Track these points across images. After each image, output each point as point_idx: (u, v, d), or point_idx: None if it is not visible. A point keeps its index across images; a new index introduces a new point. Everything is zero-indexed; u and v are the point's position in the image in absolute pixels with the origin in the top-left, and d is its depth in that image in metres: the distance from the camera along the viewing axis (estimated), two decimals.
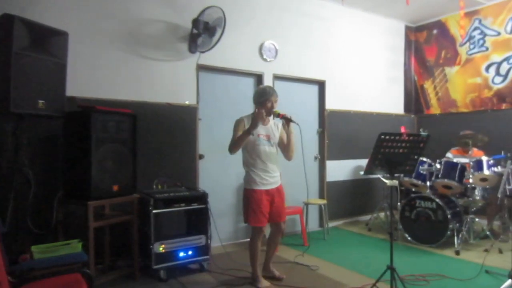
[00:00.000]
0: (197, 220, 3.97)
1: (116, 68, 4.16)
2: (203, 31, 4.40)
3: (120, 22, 4.19)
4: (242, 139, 3.43)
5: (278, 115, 3.51)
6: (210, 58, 4.69)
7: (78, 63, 3.83)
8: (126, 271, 3.74)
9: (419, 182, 4.98)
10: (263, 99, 3.50)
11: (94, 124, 3.31)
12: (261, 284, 3.50)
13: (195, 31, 4.45)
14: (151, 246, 3.59)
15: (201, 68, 4.71)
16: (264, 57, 5.23)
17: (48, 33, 3.21)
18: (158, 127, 4.38)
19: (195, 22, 4.41)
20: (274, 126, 3.65)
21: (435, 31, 6.76)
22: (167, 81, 4.49)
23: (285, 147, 3.65)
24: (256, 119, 3.38)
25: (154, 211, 3.62)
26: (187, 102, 4.58)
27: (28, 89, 3.04)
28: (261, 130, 3.52)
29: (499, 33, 5.89)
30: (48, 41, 3.21)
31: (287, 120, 3.51)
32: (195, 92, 4.67)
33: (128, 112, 3.71)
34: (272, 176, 3.55)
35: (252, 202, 3.45)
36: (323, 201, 5.48)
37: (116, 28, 4.17)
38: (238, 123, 3.55)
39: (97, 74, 4.04)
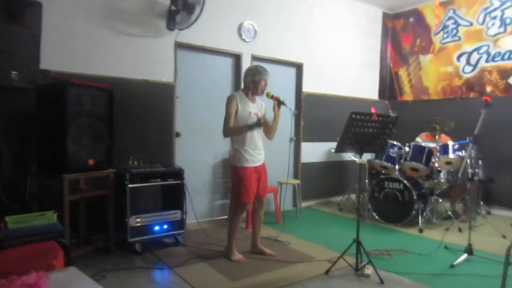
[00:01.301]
0: (173, 196, 4.04)
1: (92, 42, 4.11)
2: (181, 8, 4.39)
3: None
4: (240, 131, 3.52)
5: (272, 97, 3.60)
6: (188, 36, 4.69)
7: (52, 36, 3.77)
8: (101, 244, 3.79)
9: (389, 164, 5.18)
10: (258, 77, 3.58)
11: (69, 98, 3.29)
12: (235, 256, 3.61)
13: (173, 7, 4.43)
14: (127, 220, 3.65)
15: (179, 45, 4.71)
16: (243, 37, 5.26)
17: (21, 3, 3.16)
18: (135, 104, 4.38)
19: None
20: (259, 105, 3.74)
21: (411, 19, 6.92)
22: (144, 57, 4.47)
23: (268, 128, 3.73)
24: (256, 126, 3.50)
25: (130, 186, 3.67)
26: (164, 80, 4.60)
27: (0, 60, 3.00)
28: (251, 107, 3.61)
29: (471, 24, 6.09)
30: (22, 12, 3.17)
31: (279, 103, 3.60)
32: (173, 70, 4.68)
33: (104, 87, 3.71)
34: (260, 153, 3.66)
35: (244, 180, 3.52)
36: (297, 181, 5.63)
37: (93, 2, 4.11)
38: (230, 99, 3.58)
39: (72, 48, 3.99)
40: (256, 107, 3.68)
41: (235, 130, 3.53)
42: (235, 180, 3.61)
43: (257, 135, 3.61)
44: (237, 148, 3.59)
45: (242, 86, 3.77)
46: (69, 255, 2.34)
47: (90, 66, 4.08)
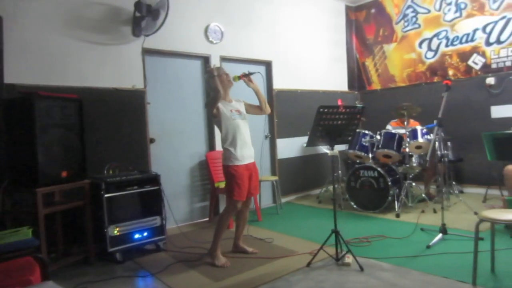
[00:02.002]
0: (151, 202, 4.02)
1: (58, 53, 4.05)
2: (146, 14, 4.38)
3: (58, 5, 4.06)
4: (214, 100, 3.52)
5: (239, 78, 3.66)
6: (155, 41, 4.68)
7: (16, 49, 3.72)
8: (81, 256, 3.74)
9: (362, 154, 5.30)
10: (215, 75, 3.58)
11: (38, 110, 3.25)
12: (219, 261, 3.53)
13: (138, 14, 4.42)
14: (106, 230, 3.62)
15: (146, 51, 4.69)
16: (210, 39, 5.28)
17: None
18: (106, 112, 4.35)
19: (137, 4, 4.37)
20: (237, 101, 3.78)
21: (373, 10, 7.10)
22: (112, 65, 4.44)
23: (257, 107, 3.79)
24: (216, 81, 3.51)
25: (106, 195, 3.64)
26: (134, 86, 4.57)
27: None
28: (231, 106, 3.64)
29: (429, 11, 6.31)
30: None
31: (247, 76, 3.67)
32: (142, 76, 4.66)
33: (73, 97, 3.67)
34: (249, 149, 3.67)
35: (237, 177, 3.51)
36: (275, 178, 5.69)
37: (54, 12, 4.04)
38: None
39: (38, 60, 3.92)
40: (236, 104, 3.71)
41: (211, 100, 3.57)
42: (227, 179, 3.59)
43: (244, 129, 3.63)
44: (226, 147, 3.59)
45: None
46: (46, 270, 2.31)
47: (57, 77, 4.02)
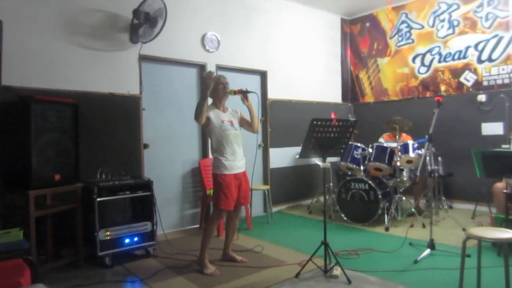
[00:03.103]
0: (143, 207, 4.03)
1: (55, 57, 4.09)
2: (144, 22, 4.42)
3: (57, 11, 4.11)
4: (201, 106, 3.47)
5: (234, 93, 3.66)
6: (152, 48, 4.72)
7: (14, 52, 3.74)
8: (71, 259, 3.74)
9: (354, 166, 5.35)
10: (215, 85, 3.62)
11: (33, 114, 3.28)
12: (207, 270, 3.54)
13: (136, 21, 4.47)
14: (96, 234, 3.63)
15: (143, 58, 4.73)
16: (207, 48, 5.34)
17: None
18: (101, 117, 4.37)
19: (136, 12, 4.43)
20: (233, 112, 3.79)
21: (367, 24, 7.21)
22: (109, 71, 4.47)
23: (249, 124, 3.79)
24: (207, 86, 3.50)
25: (98, 199, 3.66)
26: (130, 92, 4.60)
27: None
28: (223, 116, 3.65)
29: (422, 26, 6.43)
30: None
31: (244, 94, 3.67)
32: (138, 82, 4.69)
33: (68, 102, 3.70)
34: (239, 160, 3.68)
35: (224, 186, 3.53)
36: (266, 187, 5.73)
37: (54, 17, 4.09)
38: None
39: (35, 63, 3.95)
40: (230, 115, 3.73)
41: (198, 108, 3.48)
42: (215, 187, 3.62)
43: (235, 139, 3.65)
44: (216, 156, 3.62)
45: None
46: (36, 272, 2.32)
47: (54, 81, 4.05)
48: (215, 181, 3.60)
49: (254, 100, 3.74)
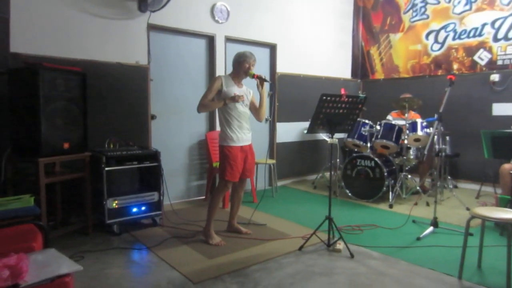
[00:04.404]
0: (150, 178, 4.10)
1: (63, 25, 4.05)
2: None
3: None
4: (212, 106, 3.64)
5: (253, 76, 3.67)
6: (161, 17, 4.66)
7: (22, 19, 3.72)
8: (79, 226, 3.84)
9: (361, 143, 5.34)
10: (242, 59, 3.64)
11: (42, 81, 3.27)
12: (213, 240, 3.61)
13: None
14: (104, 202, 3.69)
15: (152, 27, 4.67)
16: (216, 18, 5.25)
17: None
18: (109, 87, 4.36)
19: None
20: (246, 91, 3.78)
21: None
22: (117, 40, 4.43)
23: (257, 110, 3.82)
24: (230, 101, 3.56)
25: (106, 169, 3.70)
26: (138, 62, 4.57)
27: None
28: (237, 91, 3.66)
29: (439, 2, 6.26)
30: None
31: (261, 80, 3.67)
32: (146, 52, 4.65)
33: (77, 70, 3.69)
34: (246, 133, 3.72)
35: (230, 158, 3.59)
36: (272, 161, 5.75)
37: None
38: (215, 79, 3.67)
39: (43, 30, 3.92)
40: (242, 92, 3.72)
41: (208, 104, 3.59)
42: (221, 159, 3.67)
43: (243, 115, 3.66)
44: (223, 128, 3.66)
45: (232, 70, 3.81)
46: (47, 237, 2.38)
47: (62, 49, 4.02)
48: (222, 152, 3.64)
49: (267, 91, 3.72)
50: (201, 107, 3.60)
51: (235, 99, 3.55)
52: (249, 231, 3.90)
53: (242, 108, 3.66)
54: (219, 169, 3.73)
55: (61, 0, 4.03)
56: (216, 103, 3.60)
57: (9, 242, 2.12)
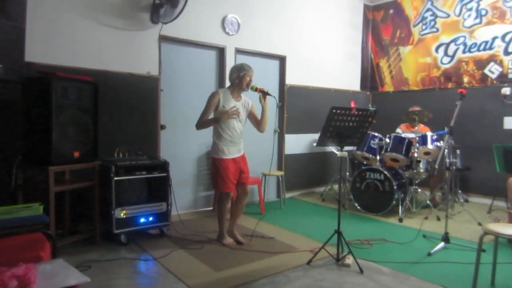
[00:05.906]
0: (158, 188, 4.09)
1: (77, 35, 4.10)
2: (165, 2, 4.40)
3: None
4: (208, 124, 3.71)
5: (256, 89, 3.70)
6: (172, 29, 4.70)
7: (37, 28, 3.77)
8: (87, 235, 3.83)
9: (370, 155, 5.30)
10: (243, 73, 3.68)
11: (55, 90, 3.31)
12: (226, 240, 3.82)
13: (157, 1, 4.44)
14: (112, 212, 3.69)
15: (163, 39, 4.72)
16: (227, 30, 5.29)
17: None
18: (120, 97, 4.40)
19: None
20: (244, 103, 3.82)
21: (391, 11, 7.04)
22: (129, 50, 4.48)
23: (258, 122, 3.87)
24: (223, 118, 3.62)
25: (115, 178, 3.70)
26: (149, 72, 4.60)
27: None
28: (233, 104, 3.70)
29: (448, 15, 6.25)
30: (6, 4, 3.14)
31: (264, 94, 3.71)
32: (157, 63, 4.69)
33: (89, 80, 3.72)
34: (238, 146, 3.79)
35: (221, 170, 3.67)
36: (280, 173, 5.73)
37: None
38: (213, 95, 3.73)
39: (57, 40, 3.97)
40: (240, 105, 3.76)
41: (204, 123, 3.69)
42: (213, 171, 3.78)
43: (236, 130, 3.72)
44: (215, 140, 3.74)
45: (228, 84, 3.85)
46: (55, 247, 2.37)
47: (75, 58, 4.08)
48: (213, 164, 3.75)
49: (272, 108, 3.74)
50: (199, 125, 3.71)
51: (228, 114, 3.60)
52: (244, 240, 3.91)
53: (236, 123, 3.72)
54: (211, 181, 3.84)
55: (76, 10, 4.09)
56: (212, 121, 3.68)
57: (17, 250, 2.12)
